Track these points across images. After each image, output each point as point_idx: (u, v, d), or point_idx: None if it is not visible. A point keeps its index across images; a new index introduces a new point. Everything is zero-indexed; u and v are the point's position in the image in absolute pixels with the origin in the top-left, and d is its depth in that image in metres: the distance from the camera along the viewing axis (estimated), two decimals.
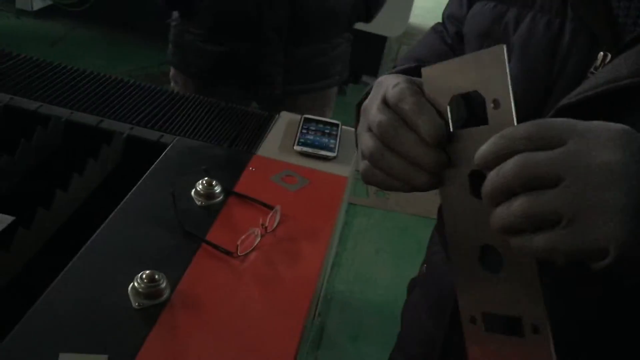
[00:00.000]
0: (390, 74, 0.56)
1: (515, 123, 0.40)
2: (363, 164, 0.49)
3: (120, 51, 3.55)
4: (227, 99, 1.41)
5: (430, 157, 0.44)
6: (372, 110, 0.48)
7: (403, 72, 0.58)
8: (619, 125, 0.37)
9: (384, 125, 0.46)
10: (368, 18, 1.49)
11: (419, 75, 0.48)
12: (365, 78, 3.62)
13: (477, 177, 0.43)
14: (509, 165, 0.38)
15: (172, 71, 1.53)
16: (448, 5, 0.70)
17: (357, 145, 0.58)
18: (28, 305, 0.69)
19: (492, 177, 0.39)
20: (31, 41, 3.44)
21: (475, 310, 0.49)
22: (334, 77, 1.50)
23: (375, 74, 3.52)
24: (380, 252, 2.38)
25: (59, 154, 1.02)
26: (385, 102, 0.47)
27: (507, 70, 0.40)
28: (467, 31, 0.62)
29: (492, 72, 0.41)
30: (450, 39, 0.67)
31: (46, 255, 0.81)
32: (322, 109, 1.54)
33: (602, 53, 0.49)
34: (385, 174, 0.47)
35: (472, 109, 0.49)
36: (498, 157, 0.39)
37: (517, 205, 0.38)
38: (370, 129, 0.48)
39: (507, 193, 0.38)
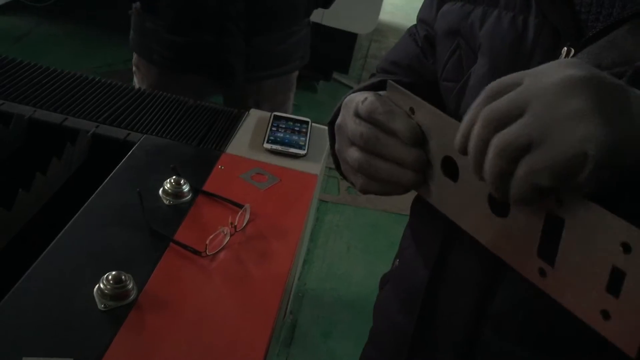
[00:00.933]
0: (353, 92, 0.59)
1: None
2: (359, 179, 0.52)
3: (85, 47, 3.48)
4: (189, 87, 1.41)
5: (412, 154, 0.48)
6: (349, 125, 0.52)
7: (367, 88, 0.62)
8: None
9: (365, 135, 0.49)
10: (326, 4, 1.49)
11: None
12: (336, 75, 3.62)
13: (450, 163, 0.47)
14: (478, 122, 0.39)
15: (134, 57, 1.51)
16: (420, 9, 0.71)
17: (336, 166, 0.62)
18: None
19: (470, 144, 0.40)
20: None
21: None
22: (295, 62, 1.51)
23: (346, 70, 3.52)
24: (352, 249, 2.38)
25: (22, 153, 1.00)
26: (358, 116, 0.50)
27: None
28: (437, 30, 0.63)
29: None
30: (420, 41, 0.68)
31: (9, 256, 0.79)
32: (287, 93, 1.56)
33: (565, 48, 0.50)
34: (376, 180, 0.51)
35: None
36: (470, 127, 0.40)
37: (491, 148, 0.39)
38: (352, 143, 0.51)
39: (485, 148, 0.39)
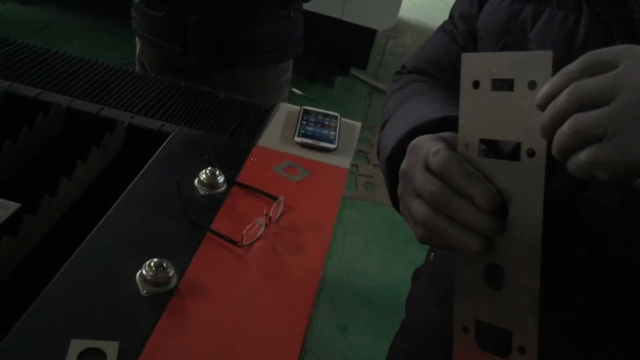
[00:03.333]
0: (416, 125, 0.57)
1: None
2: (420, 231, 0.50)
3: (107, 39, 3.51)
4: (168, 64, 1.42)
5: (488, 223, 0.46)
6: (418, 177, 0.49)
7: (425, 124, 0.59)
8: None
9: (435, 194, 0.47)
10: None
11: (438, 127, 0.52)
12: (353, 71, 3.63)
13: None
14: (563, 94, 0.39)
15: (139, 46, 1.55)
16: (457, 3, 0.71)
17: (396, 207, 0.59)
18: (34, 292, 0.69)
19: (549, 109, 0.40)
20: (17, 28, 3.40)
21: (469, 318, 0.51)
22: (270, 53, 1.46)
23: (364, 66, 3.53)
24: (369, 244, 2.40)
25: (60, 142, 1.02)
26: (429, 169, 0.48)
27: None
28: (482, 29, 0.63)
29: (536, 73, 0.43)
30: (461, 39, 0.68)
31: (52, 242, 0.81)
32: (265, 87, 1.50)
33: None
34: (439, 238, 0.49)
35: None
36: (556, 93, 0.40)
37: (567, 123, 0.39)
38: (419, 195, 0.49)
39: (563, 121, 0.40)
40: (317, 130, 1.12)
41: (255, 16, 1.39)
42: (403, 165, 0.53)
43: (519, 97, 0.44)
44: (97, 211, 0.83)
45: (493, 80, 0.46)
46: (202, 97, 1.17)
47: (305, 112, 1.18)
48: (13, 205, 0.76)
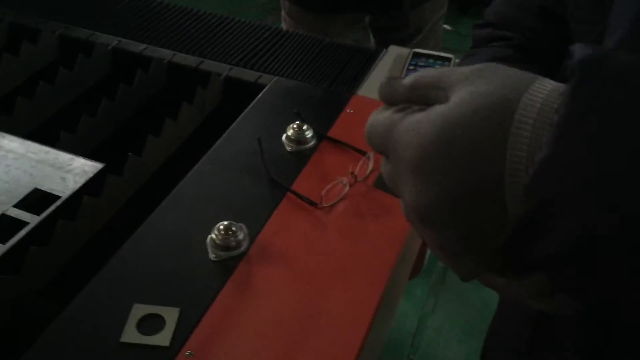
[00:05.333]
0: None
1: None
2: None
3: None
4: (341, 30, 1.35)
5: None
6: None
7: None
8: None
9: None
10: None
11: None
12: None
13: None
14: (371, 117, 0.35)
15: (285, 8, 1.48)
16: None
17: None
18: (114, 254, 0.70)
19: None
20: None
21: None
22: None
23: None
24: None
25: (160, 97, 1.03)
26: None
27: None
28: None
29: None
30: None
31: (136, 203, 0.82)
32: (439, 12, 1.47)
33: None
34: None
35: None
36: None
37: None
38: None
39: None
40: None
41: None
42: None
43: None
44: (186, 171, 0.83)
45: None
46: (304, 43, 1.11)
47: (415, 55, 1.07)
48: (96, 166, 0.77)
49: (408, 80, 0.33)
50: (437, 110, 0.29)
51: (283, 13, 1.51)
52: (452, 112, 0.28)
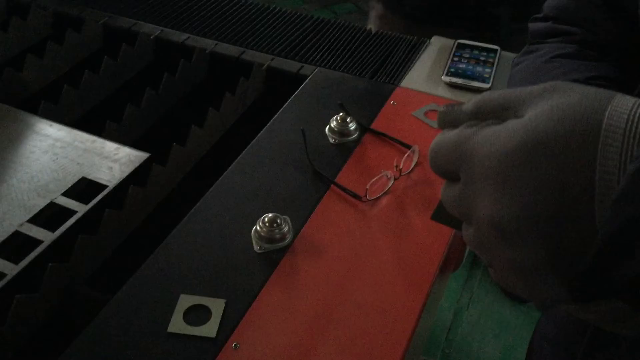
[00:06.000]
0: None
1: None
2: None
3: None
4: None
5: None
6: None
7: None
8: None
9: None
10: None
11: None
12: None
13: None
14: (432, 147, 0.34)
15: (377, 11, 1.45)
16: None
17: None
18: (159, 244, 0.71)
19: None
20: None
21: None
22: None
23: None
24: None
25: (202, 87, 1.03)
26: None
27: None
28: None
29: None
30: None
31: (181, 193, 0.82)
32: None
33: None
34: None
35: None
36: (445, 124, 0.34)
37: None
38: None
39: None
40: (470, 67, 1.00)
41: None
42: None
43: None
44: (230, 160, 0.82)
45: None
46: (348, 32, 1.10)
47: (460, 46, 1.05)
48: (141, 156, 0.77)
49: (470, 106, 0.32)
50: (516, 122, 0.28)
51: (373, 14, 1.47)
52: (534, 123, 0.27)
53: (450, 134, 0.31)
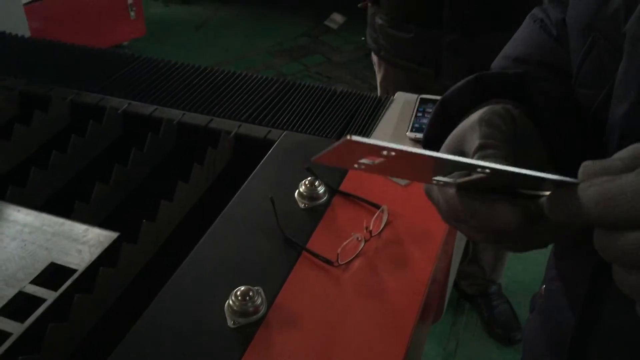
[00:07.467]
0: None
1: None
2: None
3: (261, 28, 3.63)
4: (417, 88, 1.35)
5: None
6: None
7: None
8: None
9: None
10: None
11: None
12: None
13: None
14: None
15: (373, 57, 1.53)
16: None
17: None
18: (133, 322, 0.70)
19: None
20: (177, 27, 3.61)
21: None
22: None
23: None
24: None
25: (171, 158, 1.04)
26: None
27: None
28: (569, 22, 0.50)
29: None
30: (555, 29, 0.55)
31: (154, 267, 0.82)
32: None
33: None
34: None
35: None
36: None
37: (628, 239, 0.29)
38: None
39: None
40: None
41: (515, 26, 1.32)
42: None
43: None
44: (201, 233, 0.82)
45: None
46: (314, 94, 1.12)
47: (422, 101, 1.08)
48: (111, 235, 0.77)
49: (624, 154, 0.31)
50: None
51: (376, 59, 1.53)
52: None
53: (622, 182, 0.29)
